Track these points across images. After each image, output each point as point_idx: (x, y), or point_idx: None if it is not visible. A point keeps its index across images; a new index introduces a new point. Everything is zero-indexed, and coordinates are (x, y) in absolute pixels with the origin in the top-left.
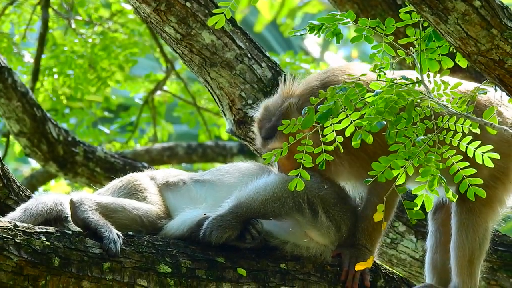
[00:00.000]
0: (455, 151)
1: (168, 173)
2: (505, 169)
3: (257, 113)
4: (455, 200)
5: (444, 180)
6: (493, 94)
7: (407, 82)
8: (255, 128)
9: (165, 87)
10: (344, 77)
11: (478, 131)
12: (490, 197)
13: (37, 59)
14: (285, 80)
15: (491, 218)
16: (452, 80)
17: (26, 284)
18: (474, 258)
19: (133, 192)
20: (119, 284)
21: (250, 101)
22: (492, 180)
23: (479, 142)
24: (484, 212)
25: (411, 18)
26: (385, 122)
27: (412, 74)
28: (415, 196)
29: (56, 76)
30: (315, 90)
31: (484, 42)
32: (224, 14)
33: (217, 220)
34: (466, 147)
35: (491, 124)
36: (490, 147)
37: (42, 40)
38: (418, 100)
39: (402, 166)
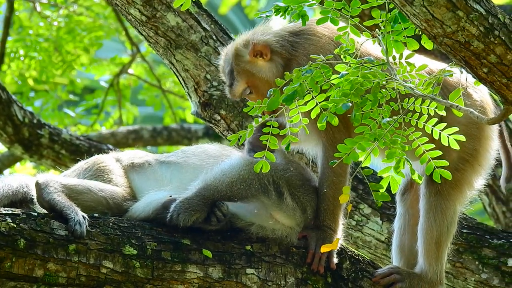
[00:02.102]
0: (421, 133)
1: (134, 154)
2: (474, 151)
3: (220, 60)
4: (421, 182)
5: (410, 162)
6: (463, 76)
7: (373, 64)
8: (222, 76)
9: (130, 70)
10: (317, 28)
11: (443, 113)
12: (459, 179)
13: (3, 42)
14: None
15: (460, 201)
16: (421, 60)
17: None
18: (442, 241)
19: (98, 174)
20: (85, 266)
21: (215, 83)
22: (461, 163)
23: (445, 124)
24: (452, 194)
25: (376, 0)
26: (350, 104)
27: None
28: (381, 178)
29: (22, 58)
30: (279, 31)
31: (450, 24)
32: None
33: (184, 203)
34: (432, 129)
35: (457, 106)
36: (456, 129)
37: (8, 23)
38: (384, 82)
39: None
